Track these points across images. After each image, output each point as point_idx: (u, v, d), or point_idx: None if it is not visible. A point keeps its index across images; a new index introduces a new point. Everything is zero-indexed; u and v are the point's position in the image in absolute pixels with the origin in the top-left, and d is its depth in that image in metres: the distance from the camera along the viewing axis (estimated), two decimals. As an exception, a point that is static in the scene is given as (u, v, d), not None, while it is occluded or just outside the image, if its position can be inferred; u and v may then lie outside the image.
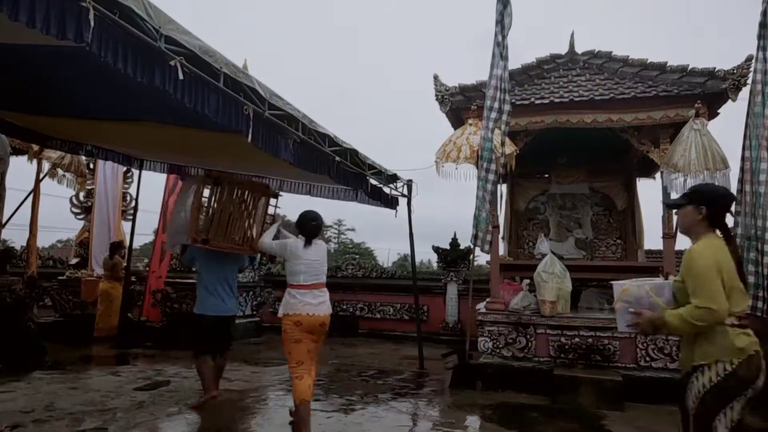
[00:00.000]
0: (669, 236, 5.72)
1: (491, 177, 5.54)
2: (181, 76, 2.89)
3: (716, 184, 5.01)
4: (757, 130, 4.95)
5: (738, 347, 2.19)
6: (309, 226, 4.13)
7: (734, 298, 2.23)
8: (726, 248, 2.30)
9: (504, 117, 5.52)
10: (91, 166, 9.20)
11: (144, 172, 7.44)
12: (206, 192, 4.73)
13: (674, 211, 2.55)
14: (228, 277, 4.84)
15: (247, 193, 4.99)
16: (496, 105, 5.51)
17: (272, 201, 5.29)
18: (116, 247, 8.54)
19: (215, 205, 4.73)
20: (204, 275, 4.76)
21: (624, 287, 2.52)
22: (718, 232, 2.36)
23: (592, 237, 7.80)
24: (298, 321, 3.88)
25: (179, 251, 5.29)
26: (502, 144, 5.56)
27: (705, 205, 2.33)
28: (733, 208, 2.76)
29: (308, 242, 4.08)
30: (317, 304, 3.95)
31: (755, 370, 2.19)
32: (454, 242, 9.87)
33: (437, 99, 6.60)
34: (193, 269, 5.76)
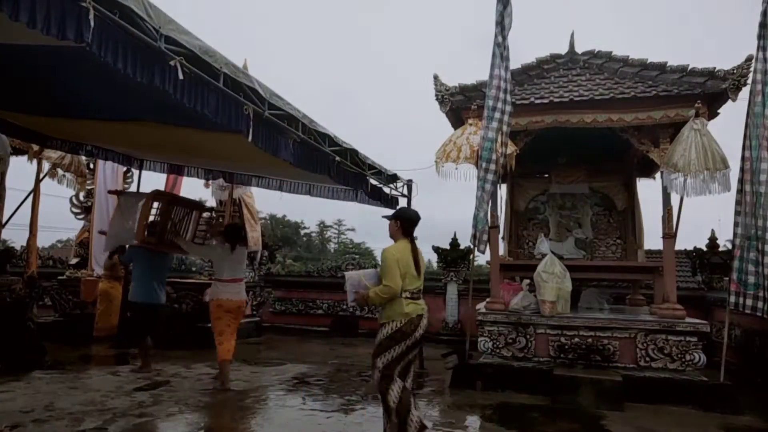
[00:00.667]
0: (669, 236, 5.71)
1: (490, 177, 5.54)
2: (181, 76, 2.89)
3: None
4: (757, 130, 4.96)
5: (405, 312, 3.47)
6: (234, 236, 5.45)
7: (408, 281, 3.52)
8: (409, 248, 3.63)
9: (505, 117, 5.52)
10: (91, 166, 9.18)
11: (144, 172, 7.45)
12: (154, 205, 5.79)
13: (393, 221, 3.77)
14: (160, 273, 6.07)
15: (182, 209, 6.17)
16: (499, 105, 5.50)
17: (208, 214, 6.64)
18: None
19: (159, 217, 5.82)
20: (140, 271, 5.94)
21: (349, 275, 3.76)
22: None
23: (592, 237, 7.80)
24: (220, 304, 5.27)
25: (118, 253, 6.50)
26: (503, 144, 5.55)
27: (400, 220, 3.73)
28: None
29: (233, 248, 5.38)
30: (235, 293, 5.34)
31: (414, 327, 3.48)
32: (454, 242, 9.87)
33: (437, 99, 6.59)
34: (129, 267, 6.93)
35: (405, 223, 3.74)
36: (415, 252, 3.64)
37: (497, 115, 5.51)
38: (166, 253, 6.17)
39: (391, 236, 3.76)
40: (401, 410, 3.39)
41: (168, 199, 6.07)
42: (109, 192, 6.68)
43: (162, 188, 9.14)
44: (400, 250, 3.58)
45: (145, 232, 5.59)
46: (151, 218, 5.73)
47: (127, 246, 6.12)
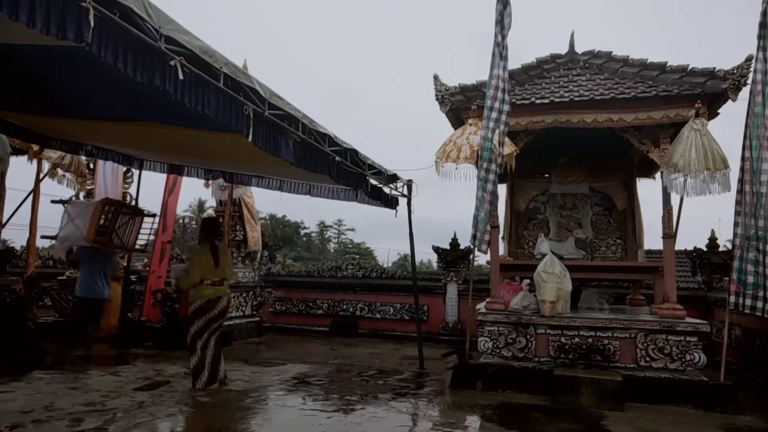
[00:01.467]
0: (669, 236, 5.71)
1: (491, 177, 5.53)
2: (181, 76, 2.90)
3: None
4: (757, 130, 4.96)
5: (204, 294, 4.98)
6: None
7: (208, 273, 5.02)
8: (208, 249, 5.12)
9: (503, 117, 5.52)
10: (91, 166, 9.16)
11: (144, 172, 7.44)
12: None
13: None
14: (104, 271, 6.94)
15: (127, 215, 7.06)
16: (497, 105, 5.50)
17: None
18: (116, 247, 8.55)
19: (107, 221, 6.67)
20: (86, 269, 6.78)
21: (172, 268, 5.47)
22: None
23: (592, 237, 7.80)
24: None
25: (66, 253, 7.42)
26: (501, 144, 5.55)
27: (201, 229, 5.38)
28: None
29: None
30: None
31: (212, 305, 5.01)
32: (454, 242, 9.86)
33: (437, 99, 6.58)
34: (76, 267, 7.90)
35: (203, 230, 5.31)
36: (214, 251, 5.11)
37: (494, 114, 5.51)
38: (110, 253, 7.07)
39: (201, 242, 5.26)
40: (198, 367, 4.98)
41: (116, 205, 7.00)
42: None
43: (163, 188, 9.24)
44: (200, 250, 5.13)
45: (95, 234, 6.49)
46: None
47: (74, 247, 6.96)
